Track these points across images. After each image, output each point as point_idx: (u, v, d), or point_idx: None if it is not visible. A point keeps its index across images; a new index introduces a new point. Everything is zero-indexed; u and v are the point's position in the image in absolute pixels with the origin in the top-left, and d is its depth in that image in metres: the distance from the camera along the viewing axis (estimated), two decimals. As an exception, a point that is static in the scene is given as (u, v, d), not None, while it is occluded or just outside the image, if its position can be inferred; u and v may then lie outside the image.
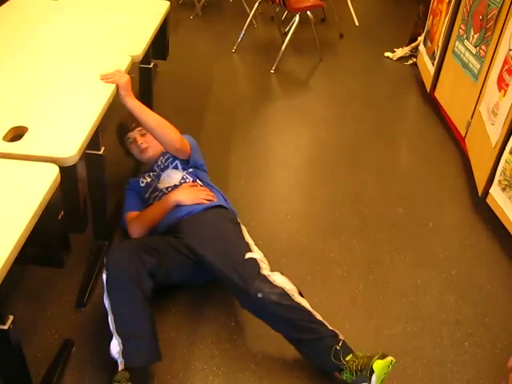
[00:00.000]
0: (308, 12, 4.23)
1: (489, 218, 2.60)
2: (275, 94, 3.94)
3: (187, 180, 2.20)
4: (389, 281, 2.25)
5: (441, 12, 3.66)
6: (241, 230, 2.03)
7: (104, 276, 1.72)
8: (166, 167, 2.27)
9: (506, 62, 2.59)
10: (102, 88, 1.88)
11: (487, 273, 2.33)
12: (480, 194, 2.69)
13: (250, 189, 2.77)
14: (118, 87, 1.92)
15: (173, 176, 2.21)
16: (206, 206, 2.09)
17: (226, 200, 2.26)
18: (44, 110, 1.73)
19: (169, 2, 2.73)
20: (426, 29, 4.06)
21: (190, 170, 2.25)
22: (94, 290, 2.06)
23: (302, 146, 3.25)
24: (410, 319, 2.07)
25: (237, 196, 2.64)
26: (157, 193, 2.21)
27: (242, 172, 2.89)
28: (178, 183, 2.18)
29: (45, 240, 1.47)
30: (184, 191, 2.14)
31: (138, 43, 2.25)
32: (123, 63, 2.06)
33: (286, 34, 4.37)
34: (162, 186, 2.21)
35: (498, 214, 2.53)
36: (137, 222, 2.15)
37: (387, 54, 4.55)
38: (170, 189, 2.18)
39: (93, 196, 2.01)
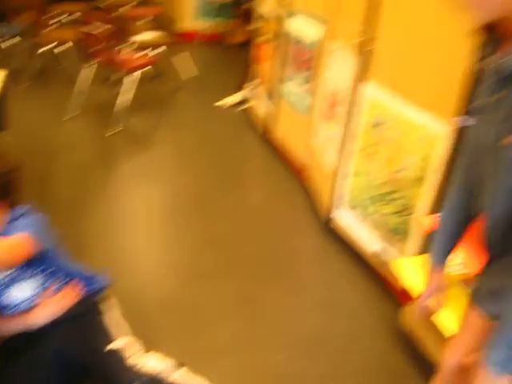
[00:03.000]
0: (139, 71, 4.29)
1: (337, 238, 2.82)
2: (122, 153, 3.90)
3: (47, 285, 1.70)
4: (264, 314, 2.34)
5: (267, 58, 3.96)
6: (101, 320, 1.74)
7: None
8: (14, 281, 1.66)
9: (330, 96, 2.88)
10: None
11: (350, 289, 2.53)
12: (326, 218, 2.91)
13: (109, 249, 2.72)
14: None
15: (25, 290, 1.68)
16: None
17: (89, 277, 1.81)
18: None
19: (4, 71, 2.62)
20: (255, 74, 4.35)
21: (49, 270, 1.69)
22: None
23: (155, 200, 3.29)
24: (290, 345, 2.18)
25: (98, 258, 2.57)
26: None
27: (99, 234, 2.83)
28: (35, 293, 1.69)
29: None
30: (47, 313, 1.68)
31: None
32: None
33: (123, 93, 4.39)
34: (12, 299, 1.67)
35: (342, 235, 2.77)
36: None
37: (219, 103, 4.76)
38: (24, 304, 1.69)
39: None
